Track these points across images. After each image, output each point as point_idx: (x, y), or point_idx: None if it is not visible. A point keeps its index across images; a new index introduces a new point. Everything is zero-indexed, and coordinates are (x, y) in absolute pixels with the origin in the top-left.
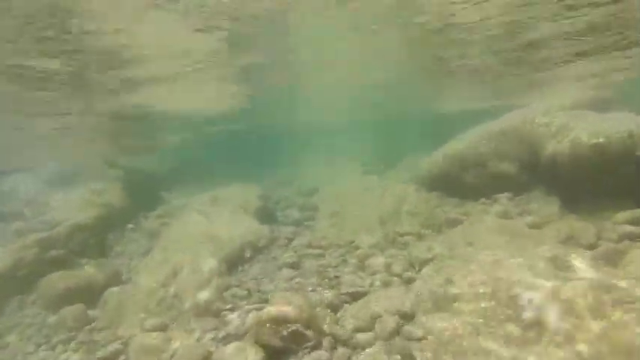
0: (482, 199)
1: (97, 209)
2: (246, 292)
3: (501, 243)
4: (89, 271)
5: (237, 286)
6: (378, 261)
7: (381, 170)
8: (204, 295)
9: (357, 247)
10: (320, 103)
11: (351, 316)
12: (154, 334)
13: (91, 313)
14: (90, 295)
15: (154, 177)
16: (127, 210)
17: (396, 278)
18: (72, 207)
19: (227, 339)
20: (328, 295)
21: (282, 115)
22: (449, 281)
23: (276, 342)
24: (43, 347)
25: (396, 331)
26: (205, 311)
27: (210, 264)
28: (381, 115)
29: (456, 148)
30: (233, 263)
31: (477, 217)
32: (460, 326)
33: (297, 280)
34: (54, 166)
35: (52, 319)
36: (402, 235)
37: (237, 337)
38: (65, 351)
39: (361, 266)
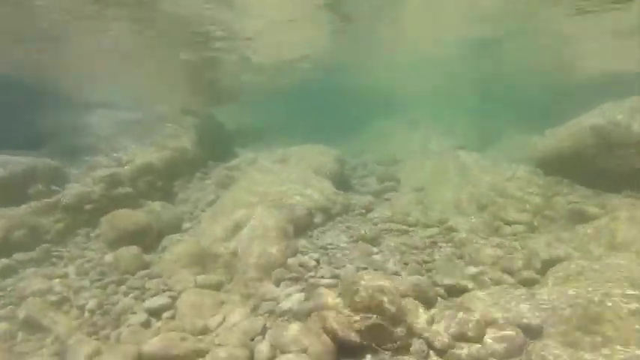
0: (628, 191)
1: (167, 152)
2: (314, 263)
3: None
4: (152, 213)
5: (305, 253)
6: (483, 250)
7: (475, 147)
8: (265, 258)
9: (451, 230)
10: (415, 64)
11: (450, 317)
12: (206, 292)
13: (147, 257)
14: (149, 238)
15: (230, 130)
16: (197, 158)
17: (508, 276)
18: (144, 147)
19: (286, 316)
20: (418, 283)
21: (370, 75)
22: (609, 296)
23: (351, 336)
24: (96, 284)
25: (520, 350)
26: (265, 276)
27: (275, 224)
28: (481, 84)
29: (593, 122)
30: (301, 227)
31: (623, 214)
32: None
33: (376, 257)
34: (134, 107)
35: (109, 257)
36: (509, 224)
37: (299, 315)
38: (116, 293)
39: (458, 254)
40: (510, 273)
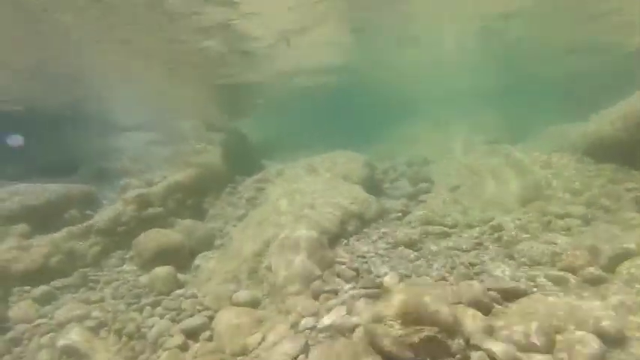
0: None
1: (195, 169)
2: (353, 273)
3: None
4: (183, 232)
5: (342, 263)
6: (537, 248)
7: (508, 141)
8: (301, 272)
9: (497, 228)
10: (437, 61)
11: (510, 324)
12: (243, 309)
13: (181, 277)
14: (182, 257)
15: (255, 142)
16: (225, 173)
17: (570, 275)
18: (172, 166)
19: (328, 332)
20: (470, 288)
21: (391, 75)
22: None
23: (404, 352)
24: (133, 307)
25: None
26: (303, 290)
27: (308, 235)
28: (508, 77)
29: None
30: (336, 236)
31: None
32: None
33: (418, 262)
34: (160, 126)
35: (143, 278)
36: (560, 217)
37: (343, 331)
38: (152, 315)
39: (509, 254)
40: (572, 271)
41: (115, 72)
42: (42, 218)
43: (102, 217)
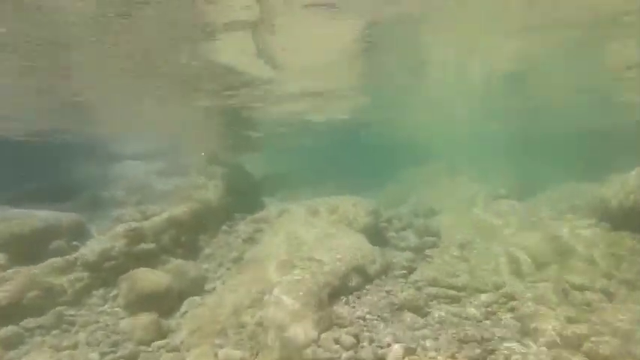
0: None
1: (193, 204)
2: (353, 340)
3: None
4: (173, 272)
5: (341, 325)
6: (557, 328)
7: (518, 196)
8: (296, 333)
9: (510, 297)
10: (443, 104)
11: None
12: None
13: (165, 323)
14: (169, 301)
15: (259, 179)
16: (223, 209)
17: None
18: (170, 199)
19: None
20: None
21: (400, 121)
22: None
23: None
24: (106, 358)
25: None
26: (296, 354)
27: (306, 291)
28: (521, 127)
29: None
30: (336, 292)
31: None
32: None
33: (424, 331)
34: (161, 157)
35: (124, 323)
36: (579, 290)
37: None
38: None
39: (524, 331)
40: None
41: (115, 95)
42: (25, 248)
43: (89, 250)
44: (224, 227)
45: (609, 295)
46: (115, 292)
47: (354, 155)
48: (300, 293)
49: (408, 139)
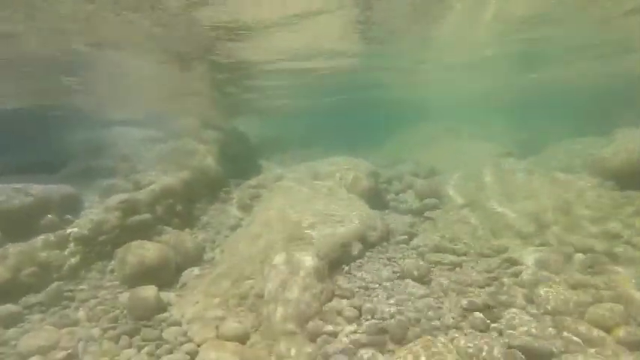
0: None
1: (188, 172)
2: (356, 312)
3: None
4: (170, 244)
5: (343, 297)
6: (561, 294)
7: (522, 154)
8: (296, 308)
9: (513, 262)
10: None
11: None
12: (230, 345)
13: (165, 296)
14: (167, 273)
15: (254, 142)
16: (220, 176)
17: (604, 334)
18: (164, 167)
19: None
20: (489, 348)
21: (403, 81)
22: None
23: None
24: (107, 335)
25: None
26: (298, 329)
27: (307, 262)
28: (524, 83)
29: None
30: (337, 261)
31: None
32: None
33: (427, 300)
34: (155, 123)
35: (123, 297)
36: (583, 252)
37: None
38: (129, 346)
39: (528, 297)
40: (606, 329)
41: (103, 58)
42: (15, 224)
43: (83, 223)
44: (221, 194)
45: (614, 258)
46: (111, 265)
47: (351, 114)
48: (301, 266)
49: (408, 95)
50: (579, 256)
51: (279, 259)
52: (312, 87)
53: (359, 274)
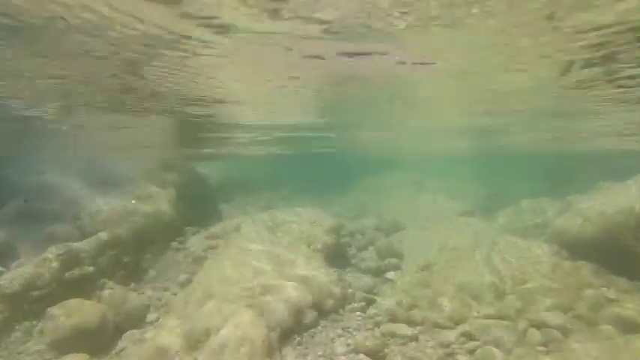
0: None
1: (140, 219)
2: None
3: None
4: (111, 302)
5: None
6: None
7: (484, 211)
8: None
9: (470, 336)
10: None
11: None
12: None
13: None
14: (104, 337)
15: (217, 183)
16: (174, 223)
17: None
18: (113, 213)
19: None
20: None
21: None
22: None
23: None
24: None
25: None
26: None
27: (255, 332)
28: (490, 146)
29: (625, 206)
30: (289, 330)
31: None
32: None
33: None
34: (105, 164)
35: None
36: (537, 326)
37: None
38: None
39: None
40: None
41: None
42: None
43: (13, 277)
44: (174, 243)
45: (566, 333)
46: (41, 325)
47: (314, 160)
48: (249, 337)
49: (375, 148)
50: (533, 331)
51: (224, 331)
52: (278, 140)
53: (310, 347)
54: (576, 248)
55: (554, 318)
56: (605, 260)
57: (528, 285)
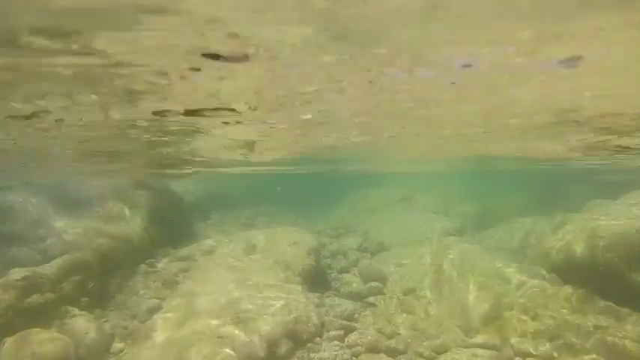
0: None
1: (107, 242)
2: None
3: None
4: (73, 333)
5: None
6: None
7: (474, 229)
8: None
9: None
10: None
11: None
12: None
13: None
14: None
15: (193, 199)
16: (145, 244)
17: None
18: (78, 236)
19: None
20: None
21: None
22: None
23: None
24: None
25: None
26: None
27: None
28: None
29: (616, 228)
30: None
31: None
32: None
33: None
34: (72, 183)
35: None
36: (522, 356)
37: None
38: None
39: None
40: None
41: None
42: None
43: None
44: (143, 266)
45: None
46: None
47: (299, 175)
48: None
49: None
50: None
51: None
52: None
53: None
54: (564, 271)
55: (542, 347)
56: (595, 284)
57: (514, 311)
